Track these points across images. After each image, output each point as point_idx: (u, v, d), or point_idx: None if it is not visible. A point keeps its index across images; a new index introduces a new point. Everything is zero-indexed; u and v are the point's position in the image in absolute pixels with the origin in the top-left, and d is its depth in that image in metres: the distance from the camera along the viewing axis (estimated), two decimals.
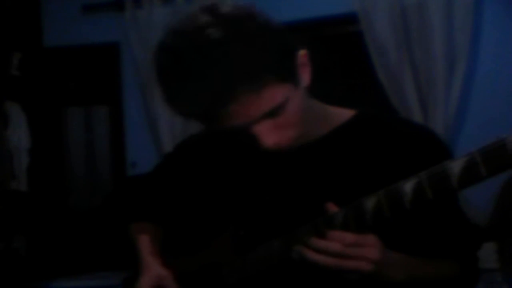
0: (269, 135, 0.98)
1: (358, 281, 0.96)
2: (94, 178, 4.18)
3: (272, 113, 0.97)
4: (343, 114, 1.14)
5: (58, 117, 4.16)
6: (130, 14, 3.80)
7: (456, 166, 0.83)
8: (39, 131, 3.96)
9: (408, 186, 0.87)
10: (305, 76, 1.02)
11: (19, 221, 3.76)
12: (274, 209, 1.09)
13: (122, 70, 3.97)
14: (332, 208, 0.95)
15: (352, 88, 3.54)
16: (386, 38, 3.34)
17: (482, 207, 2.79)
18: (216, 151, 1.19)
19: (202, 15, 0.95)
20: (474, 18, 3.23)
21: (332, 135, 1.10)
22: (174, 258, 1.22)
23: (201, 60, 0.91)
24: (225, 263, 1.13)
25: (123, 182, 3.82)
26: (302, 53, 1.02)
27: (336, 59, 3.54)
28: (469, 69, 3.26)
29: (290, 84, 0.98)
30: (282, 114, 0.98)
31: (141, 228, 1.29)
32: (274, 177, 1.11)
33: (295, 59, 1.00)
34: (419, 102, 3.31)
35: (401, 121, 1.16)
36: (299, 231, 0.99)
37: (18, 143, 3.81)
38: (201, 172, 1.20)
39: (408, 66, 3.32)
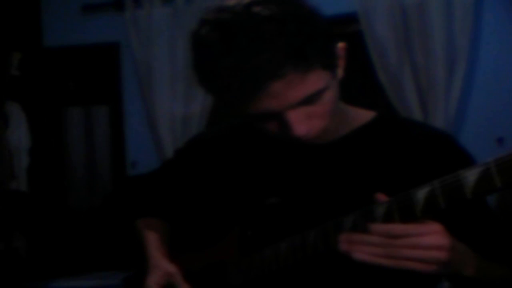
0: (301, 124, 0.96)
1: (444, 275, 0.90)
2: (94, 178, 4.18)
3: (310, 100, 0.95)
4: (363, 115, 1.13)
5: (58, 117, 4.16)
6: (130, 14, 3.80)
7: (470, 175, 0.80)
8: (39, 131, 3.96)
9: (420, 194, 0.85)
10: (340, 69, 1.02)
11: (19, 221, 3.76)
12: (283, 210, 1.08)
13: (122, 70, 3.96)
14: (382, 198, 0.90)
15: (352, 88, 3.54)
16: (386, 38, 3.34)
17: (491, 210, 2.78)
18: (226, 150, 1.19)
19: None
20: (474, 19, 3.22)
21: (352, 136, 1.09)
22: (181, 256, 1.22)
23: (251, 34, 0.90)
24: (231, 263, 1.13)
25: (123, 182, 3.82)
26: (341, 46, 1.02)
27: None
28: (469, 69, 3.26)
29: (331, 73, 0.98)
30: (318, 103, 0.97)
31: (148, 224, 1.27)
32: (286, 177, 1.11)
33: (336, 50, 1.00)
34: (419, 102, 3.31)
35: (421, 125, 1.15)
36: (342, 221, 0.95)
37: (18, 143, 3.81)
38: (210, 170, 1.20)
39: (408, 66, 3.32)
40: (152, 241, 1.23)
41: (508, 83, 3.24)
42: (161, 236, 1.25)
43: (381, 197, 0.90)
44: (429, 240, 0.86)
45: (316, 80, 0.94)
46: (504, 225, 1.08)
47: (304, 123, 0.97)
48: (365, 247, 0.87)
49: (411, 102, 3.32)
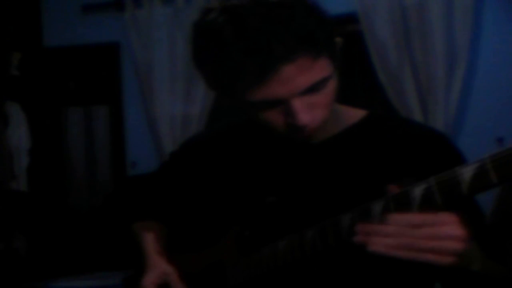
0: (306, 112, 0.97)
1: (451, 268, 0.87)
2: (94, 178, 4.18)
3: (317, 87, 0.96)
4: (354, 114, 1.13)
5: (58, 117, 4.16)
6: (130, 14, 3.80)
7: (466, 172, 0.80)
8: (39, 131, 3.96)
9: (417, 191, 0.85)
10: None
11: (19, 221, 3.76)
12: (280, 209, 1.09)
13: (122, 70, 3.97)
14: (394, 189, 0.88)
15: (352, 88, 3.54)
16: (386, 38, 3.34)
17: (482, 207, 2.78)
18: (221, 151, 1.19)
19: None
20: (474, 18, 3.23)
21: (343, 135, 1.09)
22: (178, 257, 1.22)
23: (262, 19, 0.90)
24: (229, 263, 1.13)
25: (123, 182, 3.82)
26: (339, 40, 1.03)
27: None
28: (469, 69, 3.26)
29: (334, 63, 0.99)
30: (322, 92, 0.98)
31: (146, 226, 1.28)
32: (281, 177, 1.11)
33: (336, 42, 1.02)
34: (419, 102, 3.31)
35: (412, 124, 1.15)
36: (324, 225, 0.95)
37: (18, 143, 3.81)
38: (206, 171, 1.20)
39: (408, 66, 3.32)
40: (149, 242, 1.24)
41: (508, 83, 3.24)
42: (158, 238, 1.25)
43: (394, 188, 0.88)
44: (448, 230, 0.83)
45: (323, 67, 0.96)
46: (492, 225, 1.08)
47: (307, 112, 0.97)
48: (382, 238, 0.84)
49: (411, 102, 3.32)
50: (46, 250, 3.85)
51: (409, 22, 3.31)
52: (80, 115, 4.21)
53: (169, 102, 3.74)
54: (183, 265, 1.19)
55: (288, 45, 0.90)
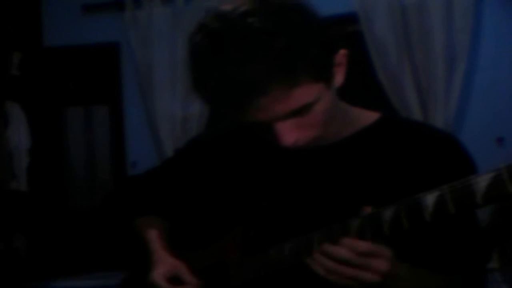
0: (290, 134, 0.96)
1: None
2: (94, 178, 4.18)
3: (299, 112, 0.95)
4: (367, 116, 1.12)
5: (58, 117, 4.16)
6: (130, 14, 3.80)
7: (481, 182, 0.79)
8: (39, 131, 3.96)
9: (429, 198, 0.84)
10: (339, 77, 1.01)
11: (19, 221, 3.76)
12: (287, 210, 1.08)
13: (122, 70, 3.97)
14: (368, 210, 0.91)
15: (352, 88, 3.54)
16: (386, 38, 3.34)
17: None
18: (229, 150, 1.18)
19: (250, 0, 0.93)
20: (474, 18, 3.23)
21: (355, 138, 1.08)
22: (180, 254, 1.21)
23: (240, 47, 0.89)
24: (233, 263, 1.13)
25: (123, 182, 3.82)
26: (341, 53, 1.00)
27: None
28: (469, 69, 3.26)
29: (323, 84, 0.96)
30: (308, 114, 0.96)
31: (148, 222, 1.27)
32: (289, 177, 1.10)
33: (333, 58, 0.98)
34: (419, 102, 3.31)
35: (424, 127, 1.14)
36: (312, 236, 0.96)
37: (18, 143, 3.81)
38: (211, 170, 1.19)
39: (408, 66, 3.32)
40: (154, 237, 1.23)
41: (508, 82, 3.24)
42: (161, 233, 1.24)
43: (367, 209, 0.91)
44: (372, 263, 0.91)
45: (304, 94, 0.93)
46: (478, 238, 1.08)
47: (292, 133, 0.96)
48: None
49: (411, 102, 3.32)
50: (46, 250, 3.85)
51: (409, 22, 3.31)
52: (80, 115, 4.21)
53: (169, 102, 3.74)
54: (186, 263, 1.19)
55: (261, 77, 0.88)
